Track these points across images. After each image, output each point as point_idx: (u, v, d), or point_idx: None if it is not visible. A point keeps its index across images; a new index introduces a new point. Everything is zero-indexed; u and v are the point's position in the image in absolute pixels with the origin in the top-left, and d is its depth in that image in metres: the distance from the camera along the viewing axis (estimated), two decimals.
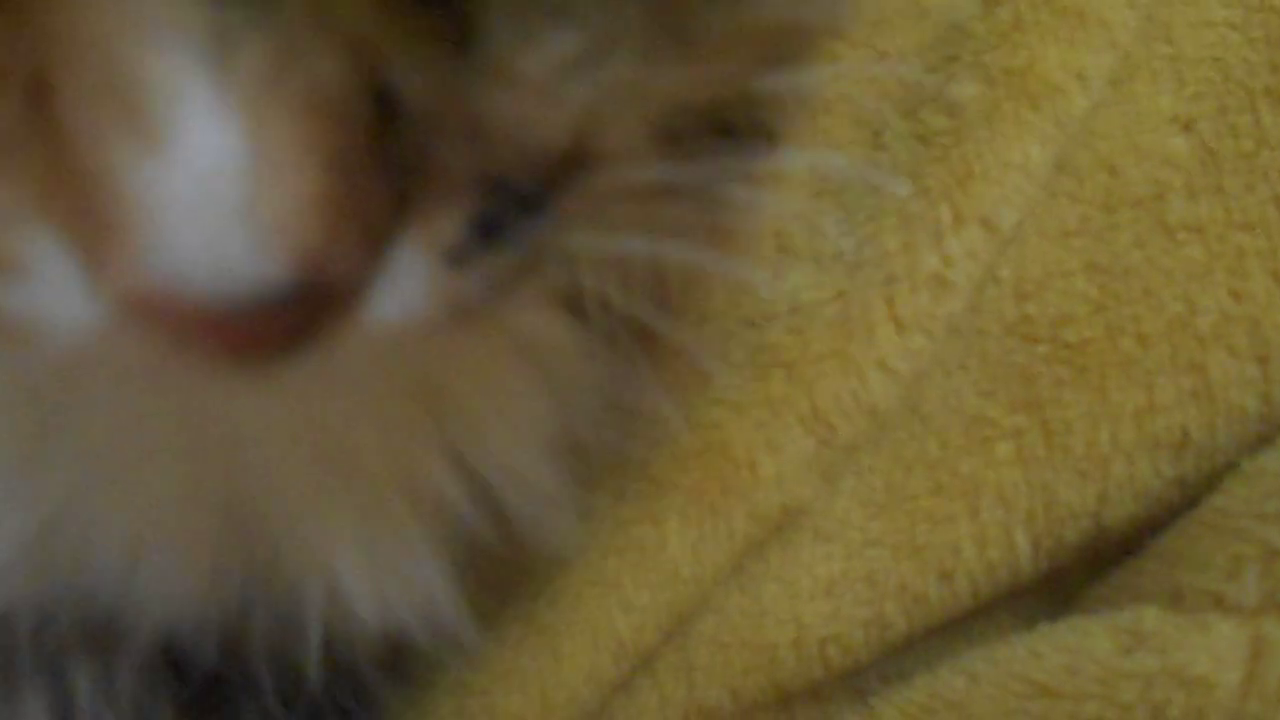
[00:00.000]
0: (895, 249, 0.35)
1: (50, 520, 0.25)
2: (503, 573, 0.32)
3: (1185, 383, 0.35)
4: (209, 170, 0.15)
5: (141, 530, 0.26)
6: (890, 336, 0.35)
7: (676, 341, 0.27)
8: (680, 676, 0.35)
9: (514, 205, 0.18)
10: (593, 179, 0.19)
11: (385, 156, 0.16)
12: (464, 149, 0.17)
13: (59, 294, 0.16)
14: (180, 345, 0.16)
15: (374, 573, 0.27)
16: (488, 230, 0.17)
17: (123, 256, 0.15)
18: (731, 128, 0.23)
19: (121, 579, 0.26)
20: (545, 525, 0.29)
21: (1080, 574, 0.36)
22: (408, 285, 0.17)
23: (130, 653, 0.27)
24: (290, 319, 0.16)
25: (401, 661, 0.32)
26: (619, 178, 0.19)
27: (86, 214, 0.15)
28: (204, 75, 0.15)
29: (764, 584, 0.35)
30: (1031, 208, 0.35)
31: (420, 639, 0.28)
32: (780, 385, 0.35)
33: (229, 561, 0.26)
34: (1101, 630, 0.32)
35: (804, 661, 0.35)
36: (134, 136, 0.15)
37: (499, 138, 0.17)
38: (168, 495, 0.25)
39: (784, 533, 0.35)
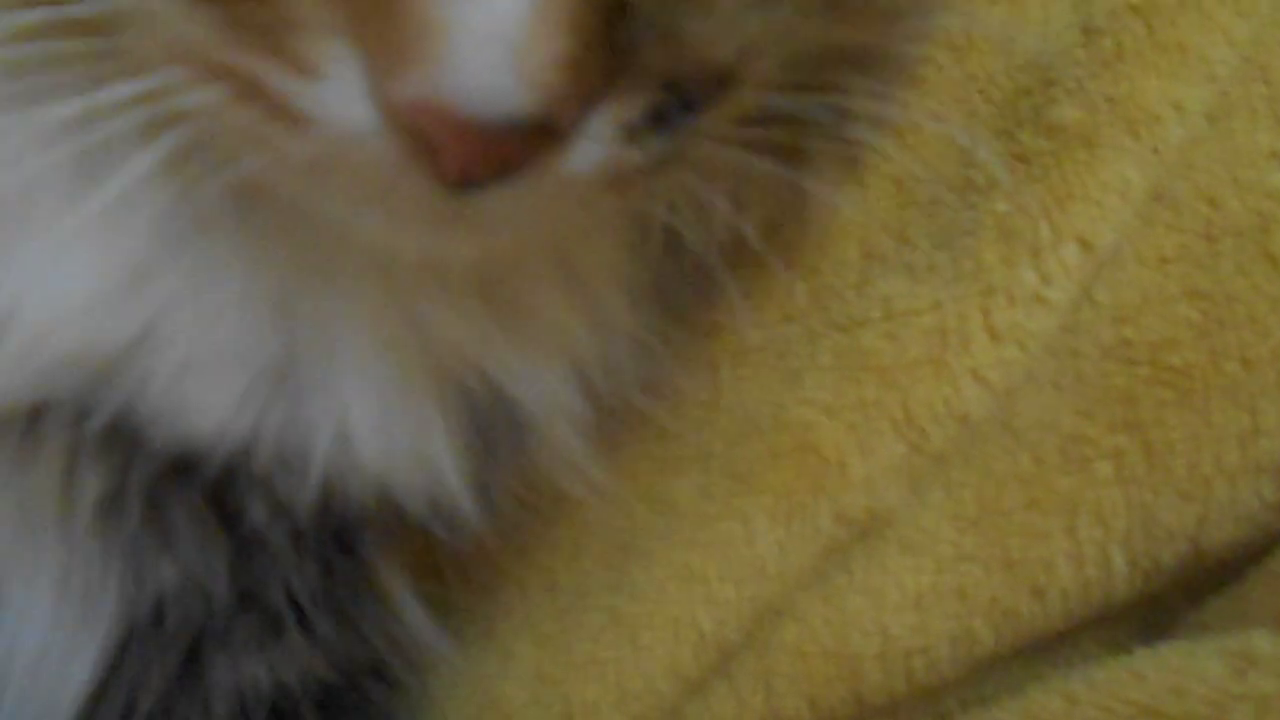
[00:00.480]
0: (993, 262, 0.34)
1: (141, 328, 0.27)
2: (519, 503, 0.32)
3: None
4: (504, 15, 0.18)
5: (203, 340, 0.27)
6: (985, 347, 0.33)
7: (769, 264, 0.30)
8: (758, 683, 0.33)
9: (679, 104, 0.22)
10: (734, 96, 0.23)
11: (613, 41, 0.20)
12: (662, 52, 0.21)
13: (343, 94, 0.20)
14: (429, 152, 0.19)
15: (385, 425, 0.29)
16: (656, 118, 0.21)
17: (414, 71, 0.18)
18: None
19: (168, 385, 0.27)
20: (561, 448, 0.31)
21: (1173, 599, 0.34)
22: (594, 147, 0.21)
23: (146, 461, 0.28)
24: (519, 146, 0.19)
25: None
26: (753, 100, 0.24)
27: (387, 34, 0.19)
28: None
29: (849, 595, 0.33)
30: (1128, 232, 0.34)
31: (417, 506, 0.29)
32: (874, 389, 0.33)
33: (262, 382, 0.28)
34: (1210, 653, 0.30)
35: (888, 674, 0.33)
36: None
37: (689, 49, 0.21)
38: (241, 311, 0.27)
39: (869, 542, 0.34)
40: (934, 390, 0.33)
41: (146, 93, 0.21)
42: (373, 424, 0.28)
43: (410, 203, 0.21)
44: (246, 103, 0.21)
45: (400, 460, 0.29)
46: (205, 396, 0.27)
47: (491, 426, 0.30)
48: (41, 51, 0.23)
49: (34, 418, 0.28)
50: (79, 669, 0.30)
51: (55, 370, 0.27)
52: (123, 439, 0.28)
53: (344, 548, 0.31)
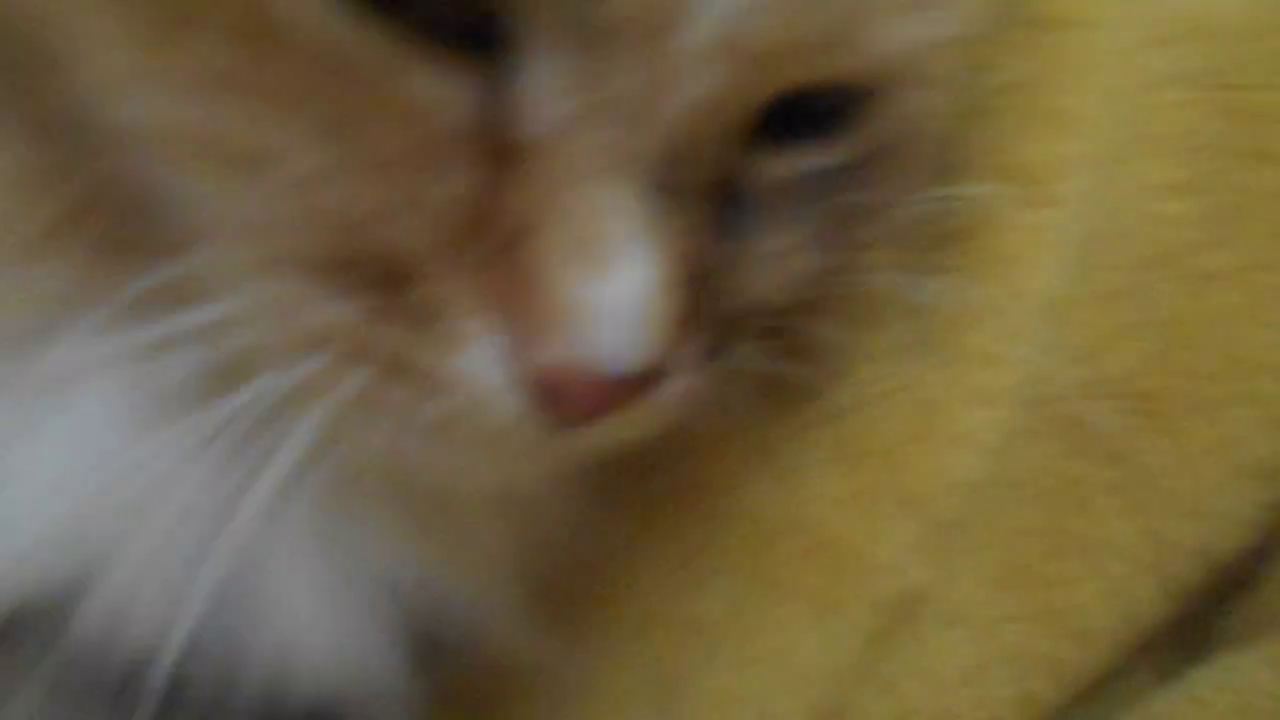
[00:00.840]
0: (950, 333, 0.35)
1: (95, 548, 0.27)
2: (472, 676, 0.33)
3: (1252, 413, 0.34)
4: (630, 294, 0.22)
5: (151, 559, 0.28)
6: (963, 412, 0.34)
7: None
8: None
9: (727, 334, 0.26)
10: (764, 320, 0.28)
11: (698, 300, 0.24)
12: (725, 302, 0.26)
13: (483, 363, 0.23)
14: (554, 402, 0.23)
15: (323, 640, 0.30)
16: (713, 350, 0.26)
17: (554, 341, 0.22)
18: None
19: (114, 601, 0.28)
20: (505, 637, 0.32)
21: (1204, 614, 0.34)
22: (673, 381, 0.25)
23: (85, 667, 0.29)
24: (634, 389, 0.23)
25: None
26: (771, 318, 0.28)
27: (528, 311, 0.22)
28: (640, 238, 0.23)
29: (904, 682, 0.32)
30: (1066, 278, 0.36)
31: (354, 713, 0.30)
32: (874, 472, 0.33)
33: (204, 598, 0.28)
34: (1257, 664, 0.30)
35: None
36: (586, 268, 0.22)
37: (742, 297, 0.26)
38: (191, 530, 0.27)
39: (909, 625, 0.33)
40: (930, 462, 0.33)
41: (294, 381, 0.24)
42: (310, 639, 0.29)
43: (516, 444, 0.24)
44: (389, 378, 0.23)
45: (336, 672, 0.30)
46: (147, 612, 0.28)
47: (430, 631, 0.32)
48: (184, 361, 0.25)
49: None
50: None
51: (14, 584, 0.27)
52: (73, 648, 0.28)
53: None
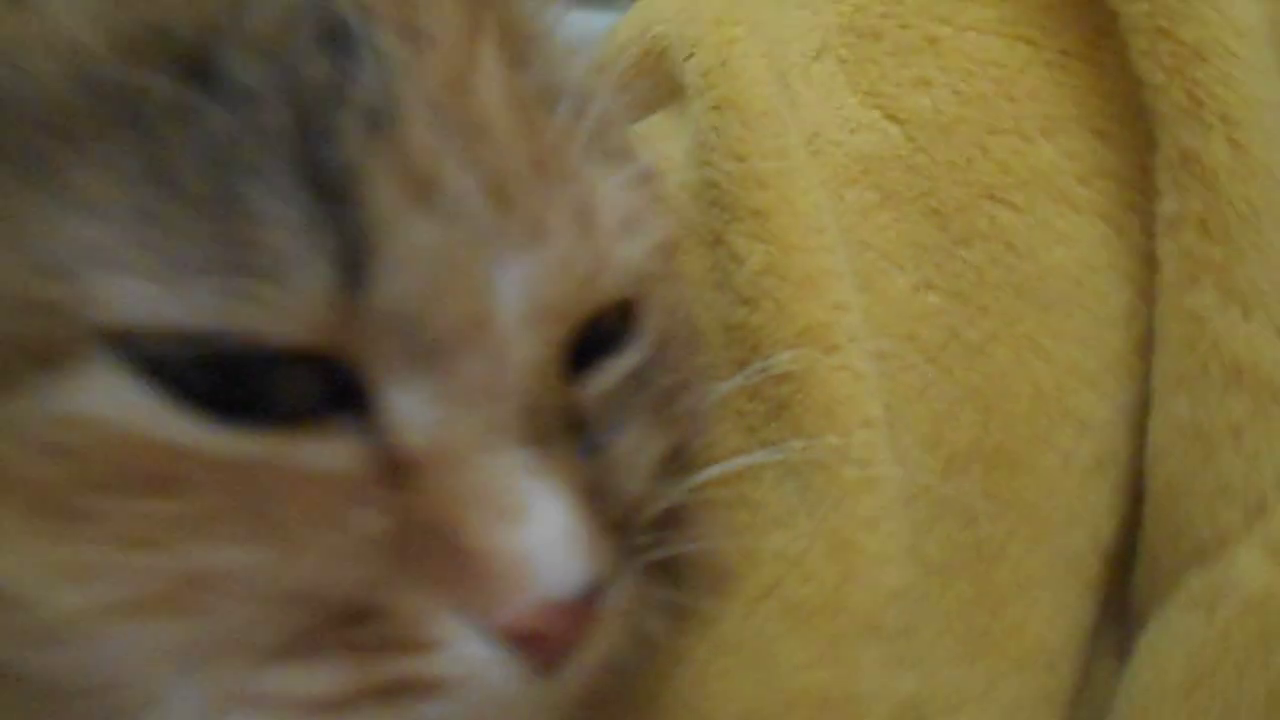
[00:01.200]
0: (825, 481, 0.39)
1: None
2: None
3: (1071, 426, 0.40)
4: (555, 527, 0.27)
5: None
6: (868, 538, 0.38)
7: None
8: None
9: (637, 531, 0.31)
10: (649, 510, 0.32)
11: (602, 513, 0.28)
12: (619, 504, 0.30)
13: (465, 646, 0.26)
14: (536, 649, 0.26)
15: None
16: (635, 548, 0.30)
17: (513, 599, 0.26)
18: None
19: None
20: None
21: (1119, 595, 0.40)
22: (620, 585, 0.29)
23: None
24: (589, 604, 0.27)
25: None
26: (658, 508, 0.33)
27: (479, 587, 0.26)
28: (539, 480, 0.27)
29: None
30: (886, 395, 0.42)
31: None
32: (828, 624, 0.37)
33: None
34: (1180, 612, 0.35)
35: None
36: (510, 525, 0.26)
37: (625, 494, 0.31)
38: None
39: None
40: (867, 592, 0.37)
41: None
42: None
43: (525, 708, 0.26)
44: (391, 704, 0.25)
45: None
46: None
47: None
48: None
49: None
50: None
51: None
52: None
53: None
